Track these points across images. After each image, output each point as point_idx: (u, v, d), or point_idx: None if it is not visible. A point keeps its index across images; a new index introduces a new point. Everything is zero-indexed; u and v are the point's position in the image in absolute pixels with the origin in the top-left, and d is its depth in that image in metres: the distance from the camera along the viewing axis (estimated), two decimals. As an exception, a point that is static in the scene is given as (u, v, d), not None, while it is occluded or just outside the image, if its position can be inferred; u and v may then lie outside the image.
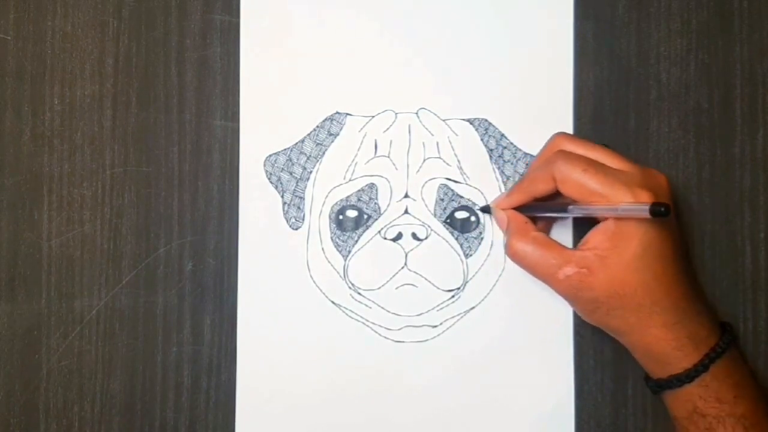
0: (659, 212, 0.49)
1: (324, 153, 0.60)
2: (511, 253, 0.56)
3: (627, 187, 0.52)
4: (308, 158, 0.60)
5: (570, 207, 0.54)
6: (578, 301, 0.55)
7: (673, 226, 0.55)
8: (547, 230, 0.59)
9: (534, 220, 0.57)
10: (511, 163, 0.60)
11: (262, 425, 0.60)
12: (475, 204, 0.60)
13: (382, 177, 0.60)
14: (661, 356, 0.54)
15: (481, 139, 0.60)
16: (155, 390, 0.60)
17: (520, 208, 0.58)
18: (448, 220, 0.60)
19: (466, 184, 0.60)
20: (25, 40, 0.61)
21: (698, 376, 0.53)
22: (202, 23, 0.61)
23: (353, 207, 0.60)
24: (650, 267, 0.53)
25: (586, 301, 0.54)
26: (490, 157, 0.60)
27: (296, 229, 0.60)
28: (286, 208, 0.60)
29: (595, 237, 0.54)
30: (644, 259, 0.52)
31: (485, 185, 0.60)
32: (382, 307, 0.60)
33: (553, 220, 0.59)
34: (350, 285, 0.60)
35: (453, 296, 0.60)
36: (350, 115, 0.60)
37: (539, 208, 0.57)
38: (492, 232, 0.60)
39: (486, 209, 0.60)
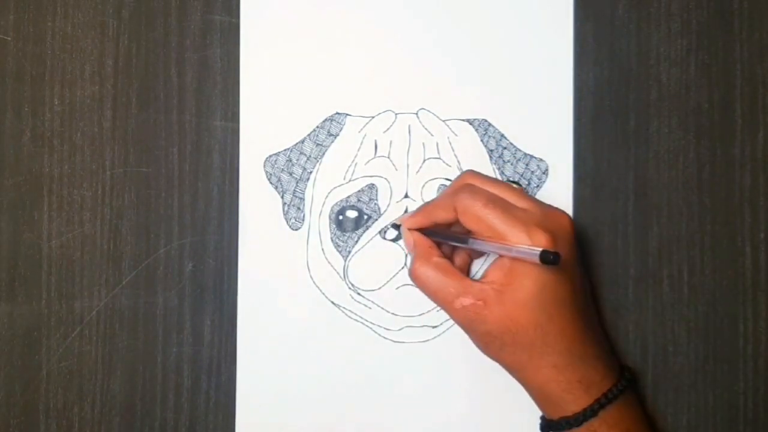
0: (548, 260, 0.50)
1: (324, 153, 0.60)
2: (414, 276, 0.56)
3: (524, 226, 0.52)
4: (308, 159, 0.60)
5: (470, 239, 0.54)
6: (473, 333, 0.55)
7: (572, 269, 0.54)
8: (452, 256, 0.58)
9: (439, 244, 0.57)
10: (511, 164, 0.60)
11: (262, 425, 0.60)
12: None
13: (382, 177, 0.60)
14: (551, 397, 0.54)
15: (481, 140, 0.60)
16: (155, 390, 0.60)
17: (425, 231, 0.57)
18: (448, 221, 0.60)
19: (466, 184, 0.60)
20: (25, 40, 0.61)
21: (586, 421, 0.53)
22: (202, 24, 0.61)
23: (353, 207, 0.60)
24: (544, 308, 0.52)
25: (480, 334, 0.54)
26: (490, 157, 0.60)
27: (296, 229, 0.60)
28: (286, 208, 0.60)
29: (494, 271, 0.54)
30: (539, 299, 0.52)
31: (485, 185, 0.60)
32: (382, 308, 0.60)
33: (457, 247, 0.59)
34: (350, 285, 0.60)
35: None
36: (350, 115, 0.60)
37: (442, 234, 0.57)
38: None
39: (397, 226, 0.59)
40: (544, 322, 0.53)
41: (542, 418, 0.56)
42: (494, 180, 0.57)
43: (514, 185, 0.58)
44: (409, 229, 0.57)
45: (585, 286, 0.57)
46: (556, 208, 0.56)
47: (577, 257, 0.55)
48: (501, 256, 0.54)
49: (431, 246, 0.56)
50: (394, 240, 0.60)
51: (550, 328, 0.53)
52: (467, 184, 0.56)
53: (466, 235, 0.55)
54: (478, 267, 0.60)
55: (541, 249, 0.50)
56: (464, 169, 0.60)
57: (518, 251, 0.52)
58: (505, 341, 0.53)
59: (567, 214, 0.56)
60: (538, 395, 0.55)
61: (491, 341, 0.54)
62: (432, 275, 0.55)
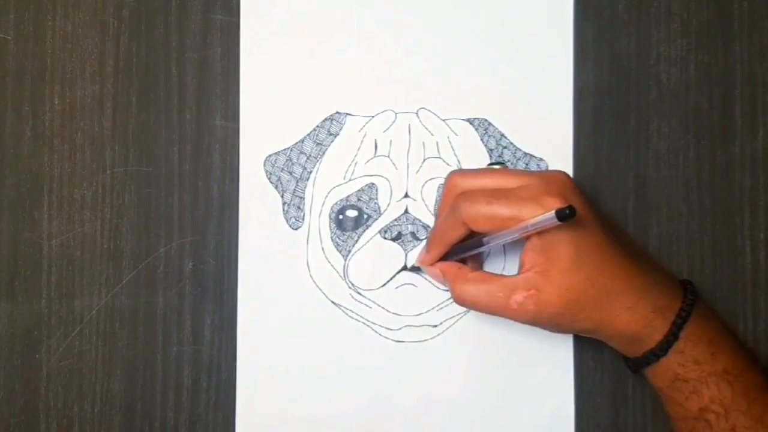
0: (566, 215, 0.49)
1: (324, 153, 0.60)
2: (460, 300, 0.55)
3: (533, 200, 0.52)
4: (308, 158, 0.60)
5: (485, 239, 0.54)
6: (541, 322, 0.54)
7: (591, 216, 0.54)
8: (480, 265, 0.59)
9: (464, 261, 0.57)
10: (511, 163, 0.60)
11: (262, 425, 0.60)
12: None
13: (382, 177, 0.60)
14: (635, 337, 0.54)
15: (481, 139, 0.60)
16: (155, 390, 0.60)
17: (443, 258, 0.57)
18: (448, 220, 0.60)
19: (466, 184, 0.60)
20: (26, 40, 0.61)
21: (670, 347, 0.53)
22: (202, 23, 0.61)
23: (353, 207, 0.60)
24: (589, 262, 0.53)
25: (549, 319, 0.54)
26: (490, 157, 0.60)
27: (296, 229, 0.60)
28: (286, 207, 0.60)
29: (528, 257, 0.53)
30: (580, 258, 0.52)
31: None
32: (382, 307, 0.60)
33: (482, 253, 0.59)
34: (350, 285, 0.60)
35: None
36: (350, 115, 0.61)
37: (457, 251, 0.56)
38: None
39: (416, 269, 0.59)
40: (595, 276, 0.52)
41: (627, 360, 0.57)
42: (479, 171, 0.56)
43: (497, 167, 0.57)
44: (430, 266, 0.57)
45: (617, 227, 0.57)
46: (550, 171, 0.56)
47: (589, 204, 0.55)
48: (522, 238, 0.53)
49: (459, 266, 0.56)
50: (395, 239, 0.60)
51: (604, 277, 0.53)
52: (460, 194, 0.55)
53: (479, 238, 0.55)
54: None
55: (554, 210, 0.50)
56: (464, 168, 0.60)
57: (534, 223, 0.51)
58: (574, 312, 0.53)
59: (562, 172, 0.55)
60: (620, 341, 0.55)
61: (562, 320, 0.54)
62: (475, 291, 0.54)
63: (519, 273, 0.54)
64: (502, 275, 0.55)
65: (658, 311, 0.53)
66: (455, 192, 0.56)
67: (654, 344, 0.54)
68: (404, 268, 0.60)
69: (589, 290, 0.52)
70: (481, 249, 0.55)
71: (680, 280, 0.57)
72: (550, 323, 0.54)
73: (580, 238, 0.53)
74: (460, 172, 0.57)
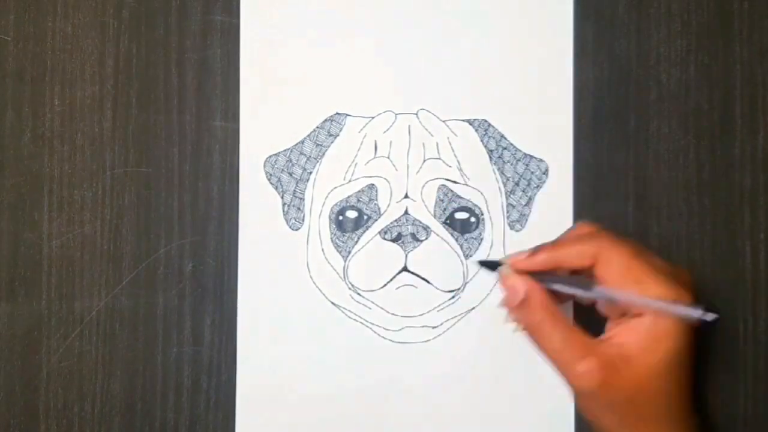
0: (708, 323, 0.45)
1: (324, 154, 0.60)
2: (534, 332, 0.50)
3: (672, 284, 0.48)
4: (308, 159, 0.60)
5: (596, 287, 0.49)
6: (590, 401, 0.49)
7: (692, 330, 0.50)
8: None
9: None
10: (511, 164, 0.60)
11: (262, 425, 0.60)
12: (476, 205, 0.60)
13: (381, 178, 0.60)
14: None
15: (481, 140, 0.60)
16: (155, 390, 0.60)
17: (535, 274, 0.51)
18: (448, 221, 0.60)
19: (466, 184, 0.60)
20: (26, 41, 0.61)
21: None
22: (202, 24, 0.61)
23: (353, 208, 0.60)
24: (676, 375, 0.48)
25: (600, 403, 0.49)
26: (490, 157, 0.60)
27: (296, 229, 0.60)
28: (286, 208, 0.60)
29: (625, 332, 0.48)
30: (672, 365, 0.48)
31: (485, 186, 0.60)
32: (382, 308, 0.60)
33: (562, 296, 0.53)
34: (350, 286, 0.60)
35: (453, 297, 0.60)
36: (350, 115, 0.61)
37: (557, 281, 0.51)
38: (492, 233, 0.60)
39: (491, 265, 0.53)
40: (673, 392, 0.48)
41: None
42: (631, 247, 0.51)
43: None
44: (518, 272, 0.51)
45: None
46: (676, 265, 0.52)
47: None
48: (637, 314, 0.48)
49: (549, 296, 0.50)
50: (394, 240, 0.59)
51: (677, 398, 0.48)
52: (605, 231, 0.51)
53: (588, 280, 0.50)
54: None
55: (702, 308, 0.46)
56: (464, 169, 0.60)
57: (668, 306, 0.46)
58: (627, 412, 0.48)
59: (686, 270, 0.52)
60: None
61: (609, 411, 0.49)
62: (554, 333, 0.49)
63: (602, 340, 0.49)
64: (586, 334, 0.50)
65: None
66: (590, 231, 0.52)
67: None
68: (404, 269, 0.60)
69: (658, 401, 0.48)
70: (586, 295, 0.50)
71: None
72: (594, 407, 0.50)
73: (684, 347, 0.48)
74: (615, 245, 0.51)
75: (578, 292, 0.51)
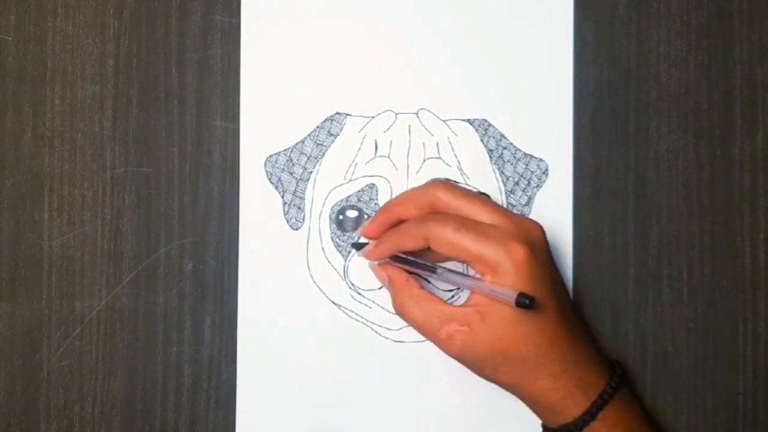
0: (524, 304, 0.49)
1: (324, 153, 0.60)
2: (399, 314, 0.55)
3: (500, 243, 0.52)
4: (308, 158, 0.60)
5: (439, 269, 0.54)
6: (464, 361, 0.54)
7: (550, 276, 0.54)
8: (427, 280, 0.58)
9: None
10: (511, 164, 0.60)
11: (262, 425, 0.60)
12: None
13: (382, 177, 0.60)
14: (552, 406, 0.53)
15: (481, 140, 0.60)
16: (155, 390, 0.60)
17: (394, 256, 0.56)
18: (448, 221, 0.60)
19: (466, 184, 0.60)
20: (26, 40, 0.61)
21: (587, 425, 0.53)
22: (202, 24, 0.61)
23: (353, 207, 0.60)
24: (531, 320, 0.52)
25: (472, 360, 0.53)
26: (490, 157, 0.60)
27: (296, 229, 0.60)
28: (286, 208, 0.60)
29: (476, 293, 0.53)
30: (526, 313, 0.51)
31: (485, 186, 0.60)
32: (383, 307, 0.60)
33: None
34: (350, 285, 0.60)
35: (453, 296, 0.60)
36: (350, 115, 0.61)
37: (409, 262, 0.55)
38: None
39: (358, 245, 0.59)
40: (533, 335, 0.52)
41: (543, 426, 0.56)
42: (463, 193, 0.55)
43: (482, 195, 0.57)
44: (380, 264, 0.56)
45: (564, 289, 0.57)
46: (527, 218, 0.56)
47: (550, 262, 0.55)
48: (473, 291, 0.53)
49: (408, 279, 0.55)
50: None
51: (540, 339, 0.52)
52: (432, 212, 0.54)
53: (436, 264, 0.54)
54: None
55: (516, 293, 0.50)
56: (464, 169, 0.60)
57: (490, 290, 0.51)
58: (497, 362, 0.53)
59: (537, 223, 0.54)
60: (537, 406, 0.55)
61: (484, 366, 0.53)
62: (415, 309, 0.54)
63: (463, 305, 0.53)
64: (445, 302, 0.54)
65: (581, 386, 0.53)
66: (431, 201, 0.55)
67: (571, 419, 0.53)
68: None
69: (521, 346, 0.52)
70: (432, 276, 0.55)
71: (611, 361, 0.57)
72: (472, 365, 0.54)
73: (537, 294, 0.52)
74: (445, 185, 0.55)
75: (421, 272, 0.55)
